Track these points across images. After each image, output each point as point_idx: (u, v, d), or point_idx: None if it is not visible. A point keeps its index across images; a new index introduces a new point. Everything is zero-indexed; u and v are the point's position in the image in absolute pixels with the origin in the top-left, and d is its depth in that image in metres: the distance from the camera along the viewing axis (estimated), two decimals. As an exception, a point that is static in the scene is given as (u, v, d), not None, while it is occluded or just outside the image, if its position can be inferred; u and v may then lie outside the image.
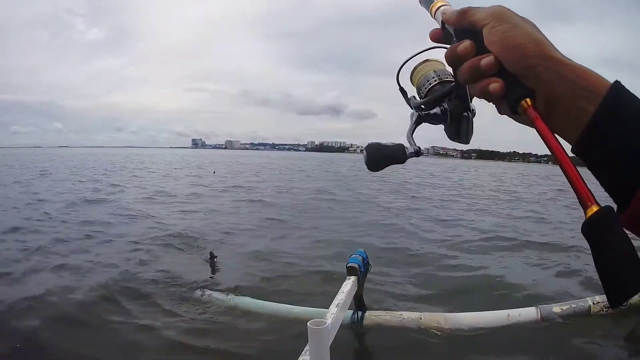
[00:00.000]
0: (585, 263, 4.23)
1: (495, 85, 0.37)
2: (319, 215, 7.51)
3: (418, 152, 0.54)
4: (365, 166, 0.54)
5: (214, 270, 3.87)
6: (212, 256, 3.97)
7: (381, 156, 0.54)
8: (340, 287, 2.16)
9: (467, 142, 0.54)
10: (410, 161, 0.53)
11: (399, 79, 0.59)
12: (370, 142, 0.55)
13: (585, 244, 0.32)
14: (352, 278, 2.27)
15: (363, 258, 2.42)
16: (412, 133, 0.55)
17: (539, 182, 21.31)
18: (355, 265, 2.33)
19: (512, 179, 23.96)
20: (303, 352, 1.49)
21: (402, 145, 0.54)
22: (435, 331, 2.52)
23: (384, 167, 0.54)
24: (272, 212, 7.50)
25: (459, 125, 0.53)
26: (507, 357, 2.45)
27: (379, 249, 4.70)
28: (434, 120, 0.54)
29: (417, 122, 0.55)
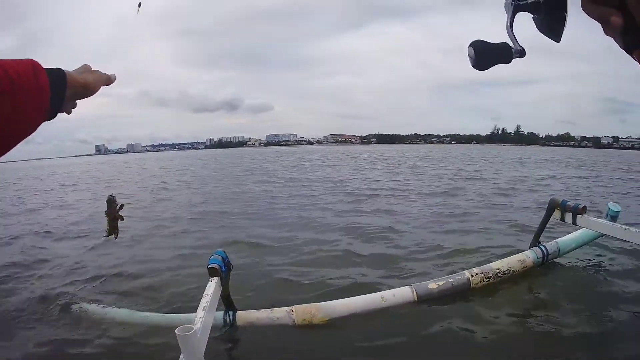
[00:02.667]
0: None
1: (616, 20, 0.37)
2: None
3: (522, 53, 0.54)
4: (470, 66, 0.54)
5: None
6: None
7: (489, 54, 0.53)
8: (204, 290, 2.06)
9: (558, 40, 0.52)
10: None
11: None
12: (474, 40, 0.54)
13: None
14: (215, 279, 2.17)
15: (223, 258, 2.29)
16: (512, 25, 0.54)
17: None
18: (216, 266, 2.21)
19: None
20: None
21: (507, 43, 0.53)
22: (308, 322, 2.36)
23: (491, 66, 0.54)
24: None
25: (554, 21, 0.51)
26: (385, 339, 2.32)
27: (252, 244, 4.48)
28: (529, 9, 0.52)
29: (513, 12, 0.54)
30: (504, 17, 0.56)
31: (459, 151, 43.77)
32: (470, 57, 0.53)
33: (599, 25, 0.37)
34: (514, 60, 0.55)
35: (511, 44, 0.54)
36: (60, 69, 0.62)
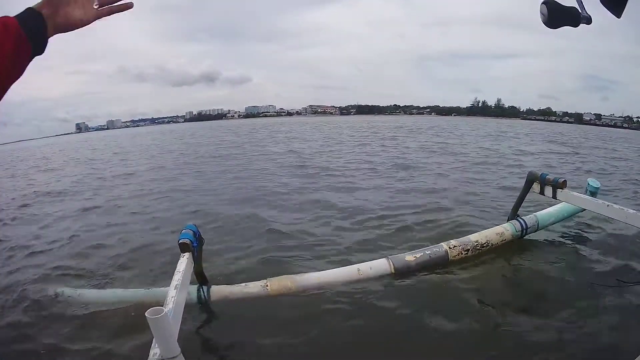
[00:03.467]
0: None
1: None
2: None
3: (589, 20, 0.56)
4: (542, 23, 0.58)
5: None
6: None
7: (561, 14, 0.56)
8: (176, 267, 1.99)
9: (619, 15, 0.55)
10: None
11: None
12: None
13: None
14: (186, 255, 2.10)
15: (194, 232, 2.20)
16: None
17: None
18: (187, 241, 2.12)
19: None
20: (152, 344, 1.37)
21: (576, 8, 0.57)
22: (284, 295, 2.33)
23: (561, 26, 0.58)
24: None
25: None
26: (361, 312, 2.29)
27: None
28: None
29: None
30: None
31: (439, 122, 43.17)
32: (542, 14, 0.55)
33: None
34: (581, 25, 0.58)
35: (579, 10, 0.56)
36: (31, 9, 0.71)
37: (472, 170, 7.80)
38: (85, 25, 0.76)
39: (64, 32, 0.75)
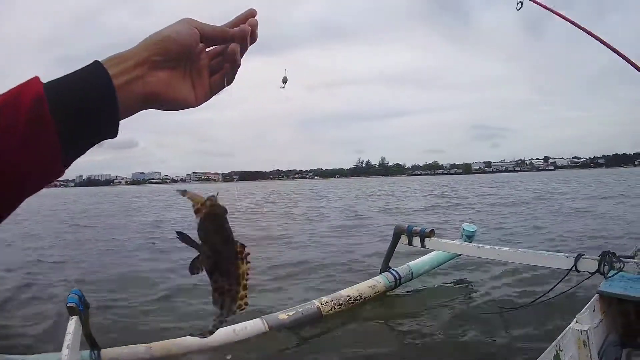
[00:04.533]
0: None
1: None
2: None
3: None
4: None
5: None
6: None
7: None
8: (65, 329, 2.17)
9: None
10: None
11: None
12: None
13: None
14: (74, 318, 2.27)
15: (79, 296, 2.36)
16: None
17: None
18: (74, 305, 2.30)
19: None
20: None
21: None
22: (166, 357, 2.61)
23: None
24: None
25: None
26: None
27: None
28: None
29: None
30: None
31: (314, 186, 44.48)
32: None
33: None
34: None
35: None
36: (97, 63, 0.37)
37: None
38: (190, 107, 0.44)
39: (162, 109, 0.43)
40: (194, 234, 0.42)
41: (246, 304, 0.45)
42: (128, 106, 0.38)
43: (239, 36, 0.43)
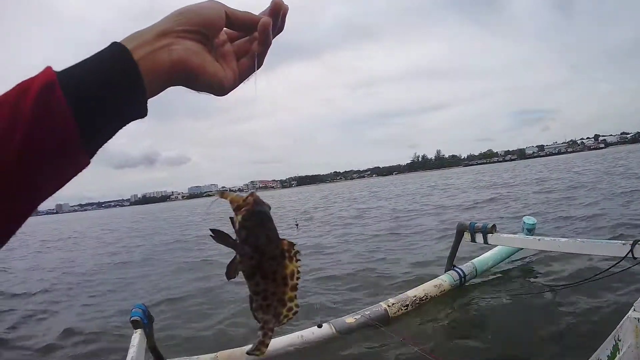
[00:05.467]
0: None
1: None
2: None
3: None
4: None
5: None
6: None
7: None
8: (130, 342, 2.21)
9: None
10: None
11: None
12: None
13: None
14: (139, 331, 2.29)
15: (143, 310, 2.41)
16: None
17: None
18: (137, 318, 2.35)
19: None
20: None
21: None
22: (234, 367, 2.50)
23: None
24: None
25: None
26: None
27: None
28: None
29: None
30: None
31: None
32: None
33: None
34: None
35: None
36: (114, 43, 0.34)
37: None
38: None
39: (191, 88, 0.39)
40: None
41: (297, 306, 0.41)
42: (154, 80, 0.35)
43: (272, 14, 0.40)
